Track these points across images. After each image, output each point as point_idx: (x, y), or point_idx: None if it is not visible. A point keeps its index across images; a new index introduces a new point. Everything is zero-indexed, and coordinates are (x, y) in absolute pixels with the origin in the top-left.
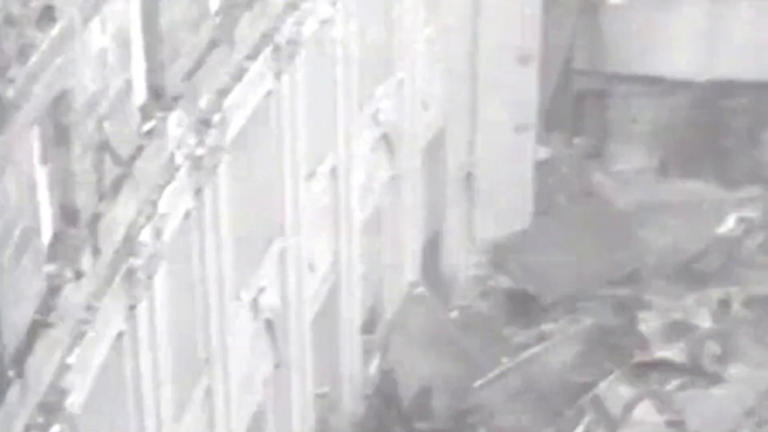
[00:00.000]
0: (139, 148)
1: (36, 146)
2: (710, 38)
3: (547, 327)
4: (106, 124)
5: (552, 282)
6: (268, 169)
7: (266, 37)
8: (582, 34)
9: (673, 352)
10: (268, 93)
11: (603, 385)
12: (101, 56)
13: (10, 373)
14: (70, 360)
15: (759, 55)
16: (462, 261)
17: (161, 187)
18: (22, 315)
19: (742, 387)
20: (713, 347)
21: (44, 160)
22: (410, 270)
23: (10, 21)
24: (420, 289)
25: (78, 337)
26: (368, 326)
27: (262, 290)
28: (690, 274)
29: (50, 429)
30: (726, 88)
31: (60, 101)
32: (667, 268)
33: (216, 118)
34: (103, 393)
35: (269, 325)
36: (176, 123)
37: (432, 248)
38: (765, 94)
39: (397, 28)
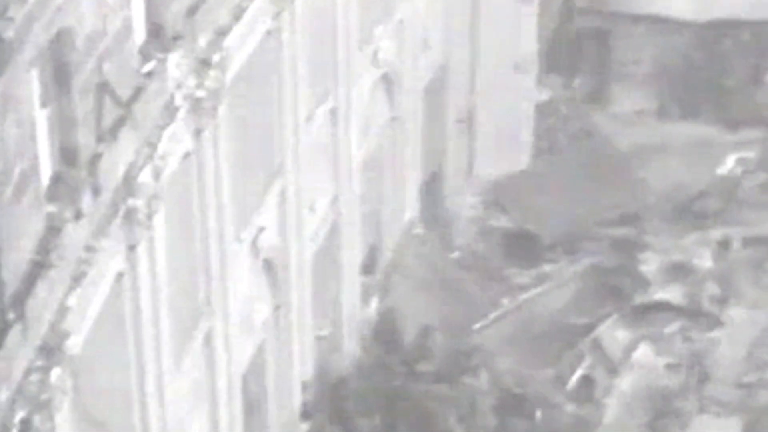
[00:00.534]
0: (139, 90)
1: (36, 87)
2: None
3: (546, 268)
4: (106, 65)
5: (551, 223)
6: (267, 110)
7: None
8: None
9: (672, 295)
10: (268, 33)
11: (602, 329)
12: None
13: (11, 314)
14: (70, 301)
15: None
16: (461, 201)
17: (161, 129)
18: (22, 256)
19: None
20: (712, 289)
21: (44, 101)
22: (410, 210)
23: None
24: (419, 230)
25: (78, 277)
26: (368, 267)
27: (261, 231)
28: (689, 215)
29: (51, 371)
30: (727, 29)
31: (59, 40)
32: (667, 209)
33: (216, 58)
34: (103, 335)
35: (269, 265)
36: (176, 64)
37: (432, 189)
38: (766, 35)
39: None
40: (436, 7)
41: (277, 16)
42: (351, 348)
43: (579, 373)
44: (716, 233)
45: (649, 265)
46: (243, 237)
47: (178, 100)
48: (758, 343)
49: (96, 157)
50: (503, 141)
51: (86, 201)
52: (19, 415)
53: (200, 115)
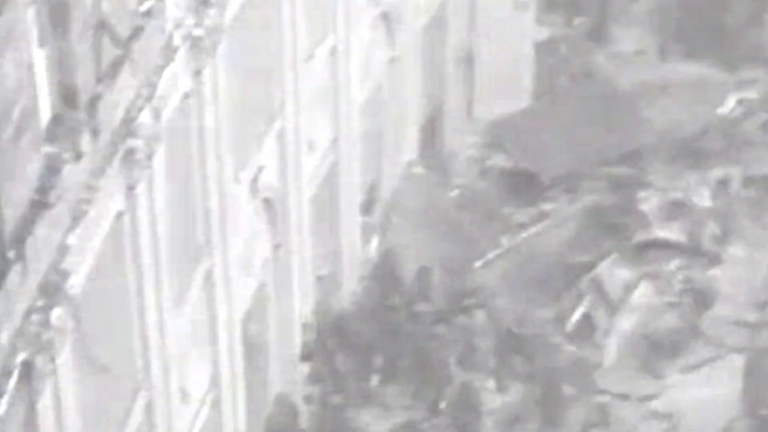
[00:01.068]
0: (137, 29)
1: (34, 27)
2: None
3: (546, 206)
4: (104, 3)
5: (551, 162)
6: (267, 50)
7: None
8: None
9: (672, 232)
10: None
11: (602, 267)
12: None
13: (10, 254)
14: (70, 240)
15: None
16: (461, 141)
17: (160, 68)
18: (22, 196)
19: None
20: (713, 227)
21: (42, 41)
22: (409, 150)
23: None
24: (419, 169)
25: (78, 217)
26: (367, 207)
27: (261, 170)
28: (690, 154)
29: (51, 311)
30: None
31: None
32: (668, 148)
33: None
34: (103, 274)
35: (268, 205)
36: (174, 2)
37: (431, 128)
38: None
39: None
40: None
41: None
42: (351, 288)
43: (579, 312)
44: (716, 172)
45: (649, 203)
46: (242, 177)
47: (177, 40)
48: (759, 282)
49: (95, 98)
50: (503, 80)
51: (85, 141)
52: (20, 356)
53: (199, 55)
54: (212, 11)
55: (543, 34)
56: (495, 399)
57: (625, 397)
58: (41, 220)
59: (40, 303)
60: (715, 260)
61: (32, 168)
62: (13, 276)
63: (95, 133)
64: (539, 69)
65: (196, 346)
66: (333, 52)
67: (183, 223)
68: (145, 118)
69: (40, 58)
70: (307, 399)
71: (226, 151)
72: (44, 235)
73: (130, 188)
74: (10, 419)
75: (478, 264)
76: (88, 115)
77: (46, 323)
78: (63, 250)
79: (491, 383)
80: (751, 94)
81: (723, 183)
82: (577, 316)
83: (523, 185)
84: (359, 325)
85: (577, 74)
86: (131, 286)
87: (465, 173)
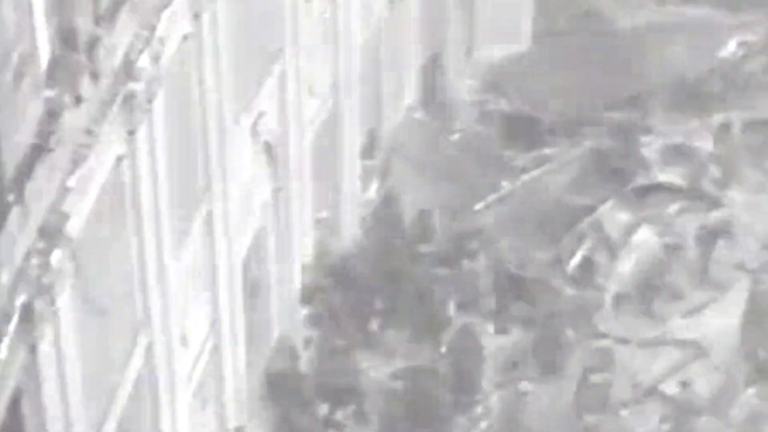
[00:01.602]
0: None
1: None
2: None
3: (546, 150)
4: None
5: (552, 105)
6: None
7: None
8: None
9: (673, 176)
10: None
11: (602, 210)
12: None
13: (10, 197)
14: (70, 184)
15: None
16: (461, 85)
17: (159, 11)
18: (22, 140)
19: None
20: (713, 171)
21: None
22: (409, 94)
23: None
24: (419, 113)
25: (78, 161)
26: (367, 150)
27: (261, 114)
28: (691, 98)
29: (51, 254)
30: None
31: None
32: (669, 92)
33: None
34: (103, 218)
35: (268, 148)
36: None
37: (431, 72)
38: None
39: None
40: None
41: None
42: (351, 231)
43: (579, 255)
44: (717, 116)
45: (650, 147)
46: (243, 120)
47: None
48: (759, 225)
49: (94, 41)
50: (503, 23)
51: (85, 85)
52: (20, 299)
53: None
54: None
55: None
56: (495, 342)
57: (625, 340)
58: (41, 164)
59: (40, 245)
60: (715, 204)
61: (32, 112)
62: (13, 219)
63: (95, 76)
64: (539, 10)
65: (196, 289)
66: None
67: (183, 166)
68: (144, 61)
69: (39, 1)
70: (307, 342)
71: (226, 94)
72: (44, 178)
73: (130, 132)
74: (11, 362)
75: (478, 207)
76: (88, 59)
77: (46, 266)
78: (63, 193)
79: (491, 326)
80: (753, 37)
81: (724, 127)
82: (577, 259)
83: (524, 129)
84: (359, 267)
85: (578, 17)
86: (131, 230)
87: (465, 117)
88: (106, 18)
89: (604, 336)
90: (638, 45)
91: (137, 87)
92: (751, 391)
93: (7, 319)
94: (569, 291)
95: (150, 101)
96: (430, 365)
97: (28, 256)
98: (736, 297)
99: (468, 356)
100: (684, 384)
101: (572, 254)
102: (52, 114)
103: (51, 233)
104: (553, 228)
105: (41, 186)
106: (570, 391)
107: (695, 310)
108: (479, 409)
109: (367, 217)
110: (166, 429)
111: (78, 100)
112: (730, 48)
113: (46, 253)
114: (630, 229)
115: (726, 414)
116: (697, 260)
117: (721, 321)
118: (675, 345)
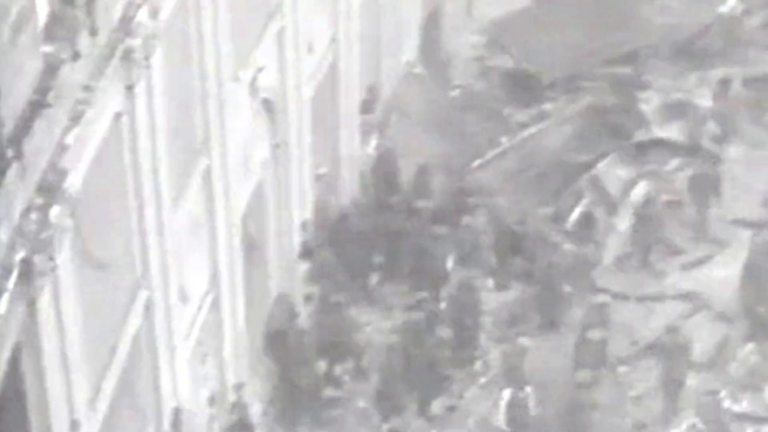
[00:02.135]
0: None
1: None
2: None
3: (546, 106)
4: None
5: (551, 62)
6: None
7: None
8: None
9: (672, 132)
10: None
11: (601, 166)
12: None
13: (9, 153)
14: (69, 140)
15: None
16: (461, 41)
17: None
18: (20, 95)
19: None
20: (712, 127)
21: None
22: (409, 49)
23: None
24: (418, 69)
25: (76, 117)
26: (367, 106)
27: (260, 70)
28: (690, 54)
29: (50, 210)
30: None
31: None
32: (667, 48)
33: None
34: (102, 174)
35: (267, 104)
36: None
37: (431, 27)
38: None
39: None
40: None
41: None
42: (350, 187)
43: (578, 210)
44: (717, 72)
45: (649, 103)
46: (241, 76)
47: None
48: (757, 181)
49: None
50: None
51: (84, 41)
52: (20, 254)
53: None
54: None
55: None
56: (494, 298)
57: (624, 296)
58: (39, 120)
59: (38, 201)
60: (714, 160)
61: (31, 68)
62: (12, 175)
63: (93, 32)
64: None
65: (195, 244)
66: None
67: (182, 122)
68: (143, 17)
69: None
70: (307, 298)
71: (224, 50)
72: (42, 134)
73: (129, 88)
74: (11, 318)
75: (477, 163)
76: (86, 15)
77: (44, 222)
78: (61, 149)
79: (490, 282)
80: None
81: (723, 83)
82: (576, 214)
83: (523, 85)
84: (358, 223)
85: None
86: (130, 186)
87: (465, 73)
88: None
89: (603, 291)
90: (637, 0)
91: (136, 43)
92: (749, 346)
93: (7, 274)
94: (568, 247)
95: (148, 57)
96: (428, 321)
97: (26, 212)
98: (735, 252)
99: (467, 311)
100: (683, 339)
101: (571, 210)
102: (50, 70)
103: (49, 189)
104: (552, 184)
105: (40, 142)
106: (569, 346)
107: (694, 265)
108: (478, 365)
109: (366, 172)
110: (166, 386)
111: (76, 55)
112: (730, 3)
113: (44, 210)
114: (629, 185)
115: (724, 370)
116: (696, 216)
117: (720, 274)
118: (674, 299)
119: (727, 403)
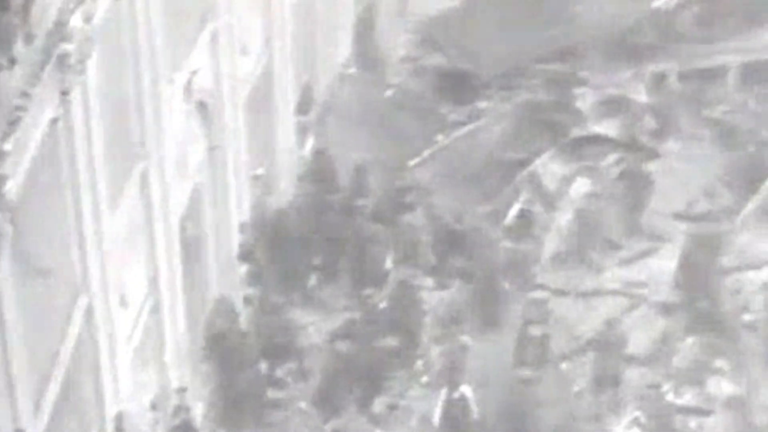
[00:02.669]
0: None
1: None
2: None
3: (481, 104)
4: None
5: (486, 59)
6: None
7: None
8: None
9: (609, 128)
10: None
11: (538, 163)
12: None
13: None
14: (7, 147)
15: None
16: (395, 40)
17: None
18: None
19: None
20: (649, 122)
21: None
22: (343, 50)
23: None
24: (353, 69)
25: (13, 123)
26: (302, 107)
27: (194, 73)
28: (624, 49)
29: None
30: None
31: None
32: (602, 43)
33: None
34: (39, 180)
35: (203, 107)
36: None
37: (364, 27)
38: None
39: None
40: None
41: None
42: (287, 187)
43: (516, 207)
44: (652, 67)
45: (585, 100)
46: (176, 79)
47: None
48: (694, 175)
49: (28, 2)
50: None
51: (19, 47)
52: None
53: None
54: None
55: None
56: (434, 296)
57: (564, 292)
58: None
59: None
60: (652, 154)
61: None
62: None
63: (29, 38)
64: None
65: (133, 249)
66: None
67: (118, 126)
68: (77, 21)
69: None
70: (247, 300)
71: (159, 53)
72: None
73: (64, 93)
74: None
75: (413, 162)
76: (22, 20)
77: None
78: None
79: (430, 281)
80: None
81: (659, 78)
82: (514, 211)
83: (458, 84)
84: (296, 224)
85: None
86: (68, 191)
87: (399, 72)
88: None
89: (543, 288)
90: None
91: (70, 47)
92: (690, 340)
93: None
94: (507, 244)
95: (83, 62)
96: (369, 320)
97: None
98: (673, 246)
99: (407, 311)
100: (618, 334)
101: (509, 207)
102: None
103: None
104: (490, 181)
105: None
106: (510, 344)
107: (633, 260)
108: (419, 363)
109: (302, 173)
110: (108, 391)
111: (12, 62)
112: None
113: None
114: (566, 182)
115: (666, 363)
116: (634, 211)
117: (659, 268)
118: (613, 294)
119: (669, 397)
